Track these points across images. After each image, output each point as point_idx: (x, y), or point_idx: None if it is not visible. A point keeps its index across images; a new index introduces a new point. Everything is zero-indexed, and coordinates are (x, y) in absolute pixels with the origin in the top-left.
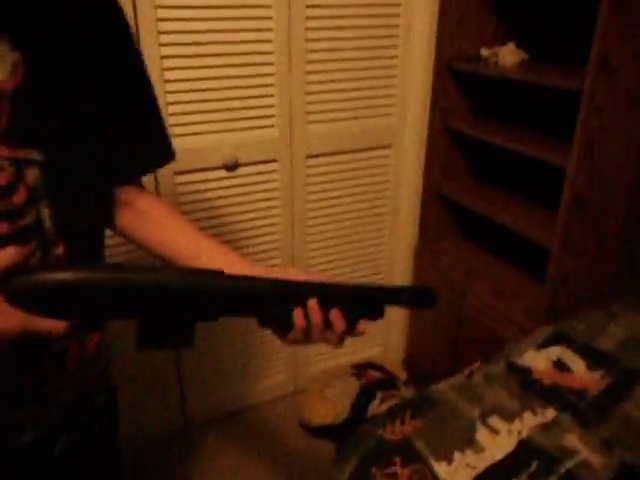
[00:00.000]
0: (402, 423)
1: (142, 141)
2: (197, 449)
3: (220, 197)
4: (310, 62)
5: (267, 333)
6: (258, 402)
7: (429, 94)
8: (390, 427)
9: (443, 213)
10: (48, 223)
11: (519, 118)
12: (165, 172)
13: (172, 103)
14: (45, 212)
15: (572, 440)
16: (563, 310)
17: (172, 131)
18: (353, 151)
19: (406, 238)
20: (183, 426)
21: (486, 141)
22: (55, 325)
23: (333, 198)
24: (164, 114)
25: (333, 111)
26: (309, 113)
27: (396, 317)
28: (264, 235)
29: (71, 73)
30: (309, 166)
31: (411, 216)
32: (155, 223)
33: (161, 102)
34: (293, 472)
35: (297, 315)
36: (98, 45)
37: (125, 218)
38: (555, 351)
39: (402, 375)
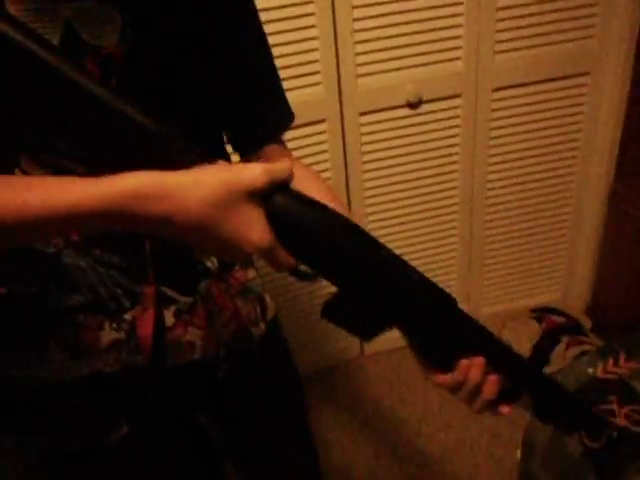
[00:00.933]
0: (616, 364)
1: (260, 106)
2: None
3: (402, 136)
4: None
5: None
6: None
7: (639, 10)
8: (602, 367)
9: None
10: None
11: None
12: (350, 113)
13: (359, 42)
14: None
15: None
16: None
17: (358, 71)
18: (544, 81)
19: (600, 180)
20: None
21: None
22: (289, 261)
23: (519, 134)
24: (352, 53)
25: (523, 38)
26: (498, 42)
27: (580, 261)
28: (443, 174)
29: (181, 37)
30: (495, 100)
31: (607, 155)
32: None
33: (349, 42)
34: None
35: (463, 363)
36: (211, 8)
37: None
38: None
39: (586, 323)
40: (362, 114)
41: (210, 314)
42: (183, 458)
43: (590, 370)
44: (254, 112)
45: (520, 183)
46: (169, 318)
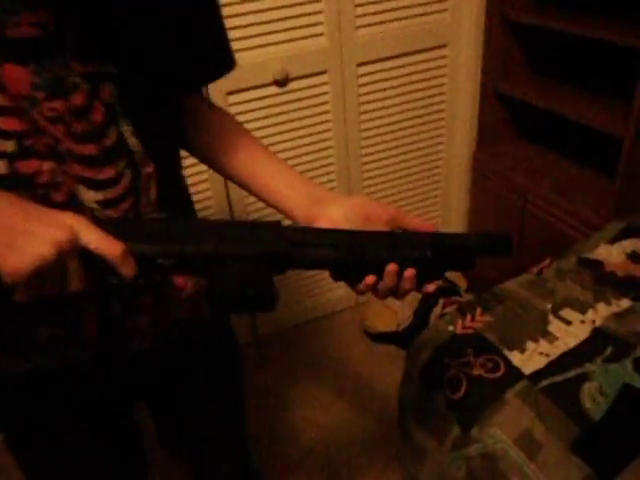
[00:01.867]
0: (473, 319)
1: (205, 47)
2: (266, 361)
3: (272, 115)
4: None
5: None
6: (322, 315)
7: None
8: (461, 322)
9: (502, 113)
10: (132, 141)
11: (586, 5)
12: (217, 92)
13: None
14: (127, 130)
15: None
16: (634, 205)
17: None
18: (406, 54)
19: (464, 144)
20: (252, 341)
21: (549, 31)
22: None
23: (387, 107)
24: None
25: (382, 12)
26: (358, 16)
27: (454, 224)
28: (319, 151)
29: None
30: (360, 75)
31: (469, 120)
32: (216, 136)
33: None
34: (359, 376)
35: (369, 278)
36: None
37: (193, 132)
38: (628, 244)
39: (462, 284)
40: (229, 93)
41: (161, 295)
42: (111, 440)
43: (450, 328)
44: (197, 52)
45: (393, 155)
46: (115, 307)
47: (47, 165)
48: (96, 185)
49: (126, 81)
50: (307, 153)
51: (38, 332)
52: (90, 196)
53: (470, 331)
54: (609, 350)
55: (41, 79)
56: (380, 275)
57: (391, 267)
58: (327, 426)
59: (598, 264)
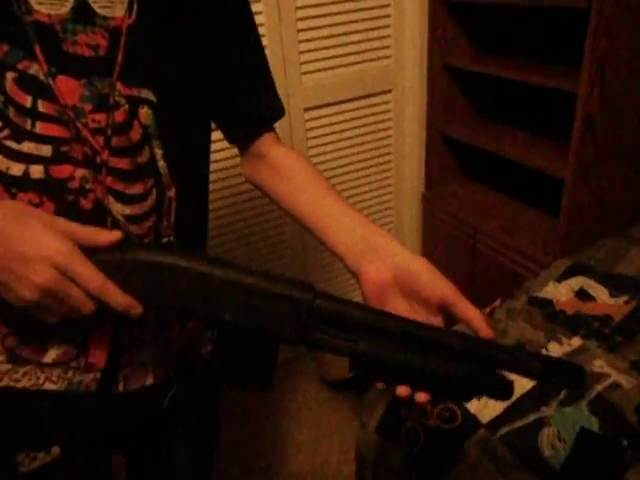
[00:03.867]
0: None
1: (253, 95)
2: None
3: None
4: (300, 8)
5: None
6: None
7: (426, 31)
8: None
9: (448, 155)
10: (161, 163)
11: (523, 50)
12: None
13: None
14: (158, 152)
15: (600, 365)
16: (581, 241)
17: None
18: (352, 99)
19: (413, 185)
20: None
21: (489, 76)
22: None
23: (335, 151)
24: None
25: (328, 58)
26: (303, 63)
27: None
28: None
29: (184, 15)
30: (307, 119)
31: (416, 161)
32: (285, 178)
33: None
34: (318, 427)
35: (402, 389)
36: None
37: (253, 167)
38: (576, 281)
39: None
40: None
41: (159, 325)
42: None
43: None
44: (248, 103)
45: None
46: (123, 336)
47: (79, 172)
48: (125, 199)
49: (163, 108)
50: (250, 199)
51: (47, 352)
52: (118, 208)
53: None
54: (563, 393)
55: (90, 93)
56: (403, 379)
57: (420, 397)
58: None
59: (548, 303)
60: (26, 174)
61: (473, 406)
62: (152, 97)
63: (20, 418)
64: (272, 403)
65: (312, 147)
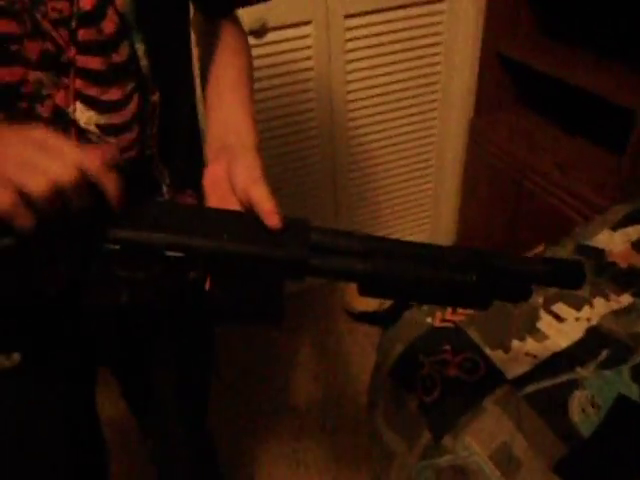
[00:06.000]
0: (453, 311)
1: None
2: (244, 335)
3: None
4: None
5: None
6: (301, 289)
7: None
8: (440, 314)
9: (503, 78)
10: (144, 61)
11: None
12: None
13: None
14: (140, 48)
15: None
16: None
17: None
18: (399, 7)
19: (460, 110)
20: None
21: None
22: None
23: (377, 66)
24: None
25: None
26: None
27: (446, 195)
28: (299, 114)
29: None
30: (348, 28)
31: (466, 84)
32: (209, 53)
33: None
34: (337, 356)
35: None
36: None
37: (201, 29)
38: (634, 231)
39: None
40: None
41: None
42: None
43: (428, 319)
44: None
45: (383, 121)
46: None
47: (33, 75)
48: (100, 106)
49: None
50: (286, 115)
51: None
52: (89, 117)
53: (449, 325)
54: (604, 354)
55: None
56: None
57: None
58: (296, 409)
59: (599, 253)
60: None
61: (498, 359)
62: None
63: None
64: (291, 330)
65: (351, 61)
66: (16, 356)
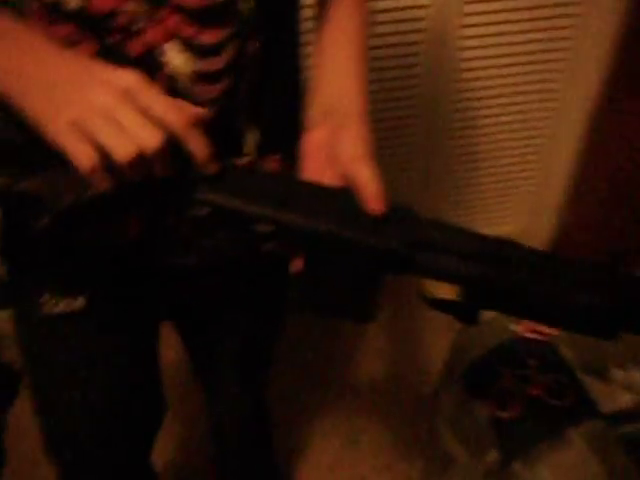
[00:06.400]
0: None
1: None
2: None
3: None
4: None
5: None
6: None
7: None
8: (528, 322)
9: None
10: (247, 3)
11: None
12: None
13: None
14: None
15: None
16: None
17: None
18: None
19: (587, 89)
20: None
21: None
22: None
23: (496, 34)
24: None
25: None
26: None
27: (551, 189)
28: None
29: None
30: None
31: (599, 59)
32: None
33: None
34: (404, 342)
35: None
36: None
37: None
38: None
39: None
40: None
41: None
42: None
43: (513, 327)
44: None
45: (497, 95)
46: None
47: (129, 5)
48: (193, 49)
49: None
50: (396, 21)
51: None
52: (180, 61)
53: (539, 337)
54: None
55: None
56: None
57: None
58: (356, 388)
59: None
60: (58, 2)
61: (595, 388)
62: None
63: (54, 257)
64: None
65: (468, 26)
66: (81, 300)
